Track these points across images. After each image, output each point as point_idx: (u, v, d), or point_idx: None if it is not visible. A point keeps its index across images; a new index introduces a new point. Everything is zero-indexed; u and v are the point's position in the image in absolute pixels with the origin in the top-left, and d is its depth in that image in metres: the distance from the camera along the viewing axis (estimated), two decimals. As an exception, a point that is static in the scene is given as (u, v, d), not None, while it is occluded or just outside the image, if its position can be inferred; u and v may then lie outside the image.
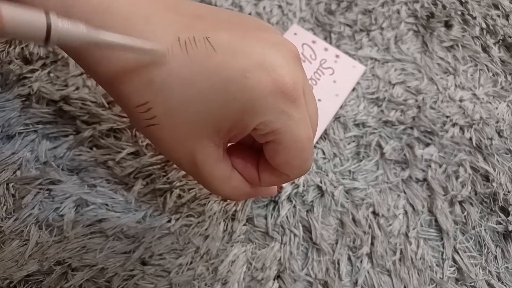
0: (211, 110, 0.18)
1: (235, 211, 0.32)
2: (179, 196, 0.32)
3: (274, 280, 0.30)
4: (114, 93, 0.19)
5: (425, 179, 0.35)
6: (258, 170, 0.22)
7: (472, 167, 0.36)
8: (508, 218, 0.33)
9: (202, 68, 0.17)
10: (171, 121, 0.19)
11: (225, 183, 0.21)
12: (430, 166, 0.35)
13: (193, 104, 0.18)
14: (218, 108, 0.18)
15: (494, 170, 0.35)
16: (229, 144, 0.23)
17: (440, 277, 0.31)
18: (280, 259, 0.31)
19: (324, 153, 0.35)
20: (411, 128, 0.37)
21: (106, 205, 0.31)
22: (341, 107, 0.37)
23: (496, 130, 0.38)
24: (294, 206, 0.32)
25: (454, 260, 0.32)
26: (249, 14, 0.41)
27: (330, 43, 0.40)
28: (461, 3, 0.44)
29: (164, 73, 0.18)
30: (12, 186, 0.30)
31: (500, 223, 0.34)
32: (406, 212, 0.33)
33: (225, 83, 0.18)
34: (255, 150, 0.23)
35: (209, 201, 0.32)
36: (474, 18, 0.43)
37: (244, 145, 0.24)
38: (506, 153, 0.37)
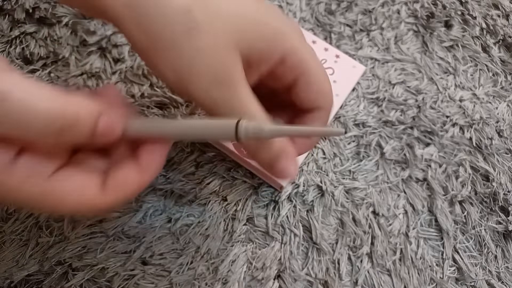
0: (247, 26, 0.20)
1: (235, 210, 0.32)
2: (180, 196, 0.32)
3: (274, 279, 0.30)
4: None
5: (425, 179, 0.35)
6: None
7: (472, 167, 0.36)
8: (508, 218, 0.33)
9: None
10: (211, 26, 0.19)
11: (259, 109, 0.21)
12: (430, 166, 0.35)
13: (232, 13, 0.20)
14: (254, 25, 0.20)
15: (494, 170, 0.35)
16: None
17: (440, 277, 0.31)
18: (280, 259, 0.31)
19: (324, 153, 0.35)
20: (411, 128, 0.37)
21: (107, 205, 0.31)
22: (341, 107, 0.37)
23: (496, 130, 0.38)
24: (295, 206, 0.32)
25: (454, 260, 0.32)
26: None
27: (330, 43, 0.40)
28: (461, 3, 0.44)
29: None
30: (13, 186, 0.30)
31: (500, 223, 0.34)
32: (406, 212, 0.33)
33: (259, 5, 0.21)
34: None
35: (209, 201, 0.32)
36: (474, 18, 0.43)
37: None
38: (506, 153, 0.37)
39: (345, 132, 0.26)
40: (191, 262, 0.30)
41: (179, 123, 0.21)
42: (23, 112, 0.16)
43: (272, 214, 0.32)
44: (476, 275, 0.31)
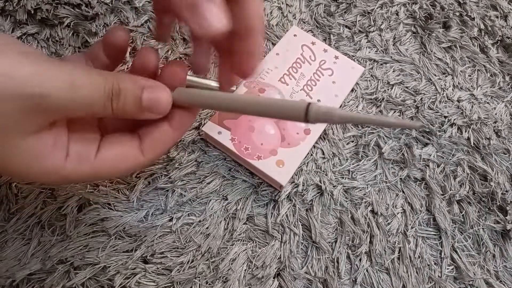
0: None
1: (236, 210, 0.32)
2: (181, 195, 0.32)
3: (274, 278, 0.30)
4: None
5: (423, 179, 0.35)
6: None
7: (470, 167, 0.36)
8: (506, 217, 0.34)
9: None
10: None
11: None
12: (428, 165, 0.35)
13: None
14: None
15: (492, 170, 0.36)
16: None
17: (438, 276, 0.31)
18: (280, 258, 0.31)
19: (323, 153, 0.35)
20: (409, 128, 0.37)
21: (109, 204, 0.31)
22: (340, 107, 0.37)
23: (494, 130, 0.38)
24: (294, 205, 0.33)
25: (452, 259, 0.32)
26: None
27: (330, 44, 0.41)
28: (459, 4, 0.45)
29: None
30: (15, 185, 0.31)
31: (498, 222, 0.34)
32: (404, 211, 0.34)
33: None
34: None
35: (210, 200, 0.32)
36: (473, 19, 0.44)
37: None
38: (504, 153, 0.37)
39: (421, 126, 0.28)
40: (192, 261, 0.30)
41: (254, 99, 0.22)
42: (87, 92, 0.19)
43: (272, 213, 0.32)
44: (474, 274, 0.32)
